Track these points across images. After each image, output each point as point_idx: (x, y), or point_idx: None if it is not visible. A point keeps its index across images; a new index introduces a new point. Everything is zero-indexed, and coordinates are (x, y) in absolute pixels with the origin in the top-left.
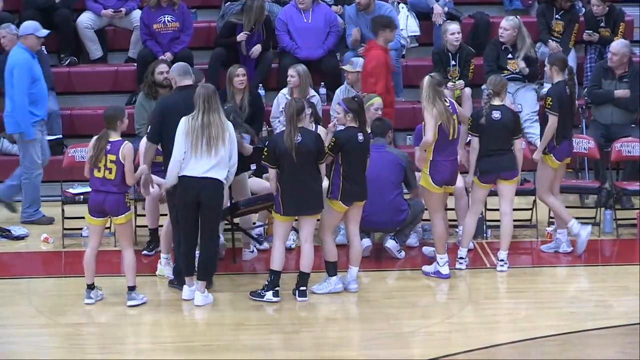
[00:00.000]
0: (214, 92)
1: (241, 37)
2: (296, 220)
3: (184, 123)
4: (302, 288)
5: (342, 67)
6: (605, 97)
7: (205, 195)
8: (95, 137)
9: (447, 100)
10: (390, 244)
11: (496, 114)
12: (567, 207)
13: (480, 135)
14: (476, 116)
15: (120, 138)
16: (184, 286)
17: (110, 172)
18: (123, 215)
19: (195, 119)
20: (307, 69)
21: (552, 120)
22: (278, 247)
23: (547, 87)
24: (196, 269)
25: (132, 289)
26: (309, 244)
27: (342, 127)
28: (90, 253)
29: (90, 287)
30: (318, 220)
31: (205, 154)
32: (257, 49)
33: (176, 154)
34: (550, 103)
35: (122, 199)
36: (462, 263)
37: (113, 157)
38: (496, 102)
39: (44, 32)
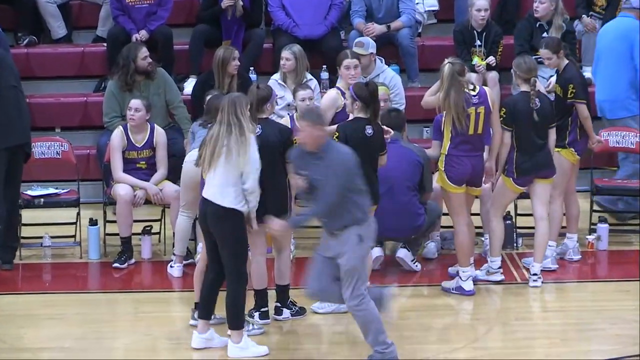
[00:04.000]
0: (233, 102)
1: (225, 3)
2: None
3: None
4: (276, 304)
5: (352, 50)
6: None
7: (210, 222)
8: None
9: (476, 88)
10: (404, 254)
11: (536, 102)
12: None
13: (518, 129)
14: (512, 106)
15: None
16: (194, 332)
17: None
18: None
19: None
20: (303, 50)
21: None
22: (255, 260)
23: (586, 70)
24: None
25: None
26: (281, 255)
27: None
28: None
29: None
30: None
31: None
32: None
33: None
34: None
35: None
36: (499, 274)
37: None
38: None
39: None
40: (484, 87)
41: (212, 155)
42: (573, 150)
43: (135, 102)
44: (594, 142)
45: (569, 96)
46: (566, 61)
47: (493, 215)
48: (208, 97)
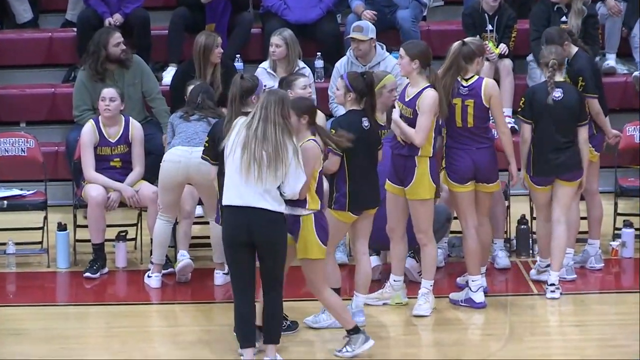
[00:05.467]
0: (281, 100)
1: None
2: None
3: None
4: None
5: (350, 36)
6: None
7: (261, 231)
8: None
9: (472, 78)
10: (409, 263)
11: (557, 93)
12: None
13: (536, 123)
14: (531, 96)
15: None
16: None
17: None
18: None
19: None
20: (295, 36)
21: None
22: None
23: (610, 58)
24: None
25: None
26: None
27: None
28: None
29: None
30: None
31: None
32: None
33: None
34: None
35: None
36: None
37: None
38: (557, 77)
39: None
40: (483, 77)
41: (262, 159)
42: (590, 146)
43: (109, 91)
44: (610, 137)
45: (578, 89)
46: (575, 48)
47: (537, 219)
48: (190, 88)
